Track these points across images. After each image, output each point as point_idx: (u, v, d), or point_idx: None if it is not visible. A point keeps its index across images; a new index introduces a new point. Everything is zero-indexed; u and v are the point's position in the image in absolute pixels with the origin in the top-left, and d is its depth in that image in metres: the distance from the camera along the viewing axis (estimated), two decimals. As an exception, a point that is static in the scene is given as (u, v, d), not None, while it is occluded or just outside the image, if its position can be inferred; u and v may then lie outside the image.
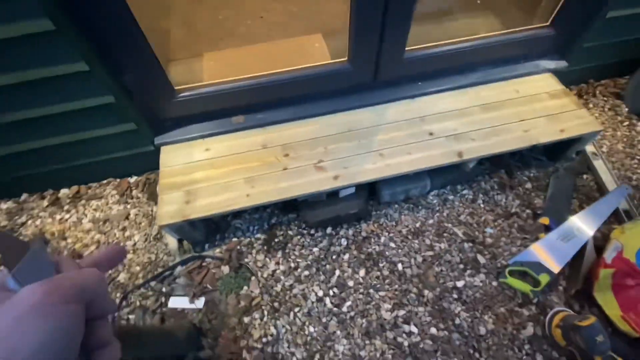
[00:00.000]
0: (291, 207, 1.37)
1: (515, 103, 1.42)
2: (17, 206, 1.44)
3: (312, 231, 1.34)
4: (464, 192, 1.41)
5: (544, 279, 1.15)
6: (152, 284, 1.26)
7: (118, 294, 1.23)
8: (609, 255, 1.12)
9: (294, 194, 1.20)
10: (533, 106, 1.40)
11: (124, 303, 1.22)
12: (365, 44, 1.24)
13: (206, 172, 1.27)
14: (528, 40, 1.45)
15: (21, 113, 1.10)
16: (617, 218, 1.31)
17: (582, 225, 1.24)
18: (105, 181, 1.50)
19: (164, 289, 1.25)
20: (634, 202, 1.35)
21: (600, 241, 1.22)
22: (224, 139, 1.36)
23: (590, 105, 1.66)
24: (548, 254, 1.20)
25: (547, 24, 1.42)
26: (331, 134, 1.36)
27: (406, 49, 1.31)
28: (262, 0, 1.98)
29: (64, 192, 1.48)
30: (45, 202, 1.44)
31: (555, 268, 1.17)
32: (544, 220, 1.29)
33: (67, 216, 1.41)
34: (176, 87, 1.24)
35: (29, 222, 1.40)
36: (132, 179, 1.51)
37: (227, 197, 1.20)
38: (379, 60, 1.32)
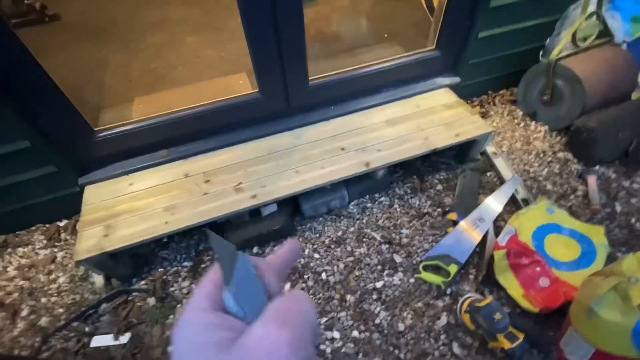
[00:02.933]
0: (217, 232, 1.41)
1: (416, 116, 1.59)
2: (-63, 262, 1.40)
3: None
4: (381, 199, 1.51)
5: (452, 269, 1.23)
6: (75, 324, 1.24)
7: (37, 339, 1.19)
8: (502, 238, 1.22)
9: (213, 216, 1.26)
10: (431, 117, 1.57)
11: (43, 347, 1.18)
12: (269, 77, 1.40)
13: (127, 205, 1.32)
14: (421, 62, 1.67)
15: None
16: (517, 207, 1.44)
17: (483, 215, 1.35)
18: (34, 227, 1.50)
19: (87, 329, 1.22)
20: (531, 192, 1.50)
21: (502, 226, 1.33)
22: (148, 173, 1.42)
23: (492, 113, 1.87)
24: (456, 246, 1.29)
25: (433, 47, 1.65)
26: (251, 158, 1.45)
27: (310, 78, 1.48)
28: (194, 48, 2.17)
29: (-11, 243, 1.46)
30: (-32, 255, 1.42)
31: (462, 258, 1.25)
32: (452, 216, 1.39)
33: (-10, 267, 1.39)
34: (95, 128, 1.32)
35: (-51, 277, 1.36)
36: (62, 223, 1.52)
37: (145, 227, 1.24)
38: (287, 90, 1.46)
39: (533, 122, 1.78)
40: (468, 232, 1.31)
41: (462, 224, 1.34)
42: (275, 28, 1.24)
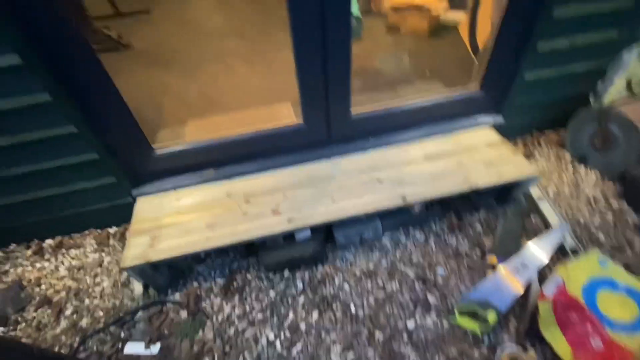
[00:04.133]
0: (251, 252, 1.45)
1: (456, 152, 1.57)
2: (4, 255, 1.55)
3: (270, 275, 1.39)
4: (416, 234, 1.48)
5: (492, 317, 1.16)
6: (112, 329, 1.30)
7: (76, 339, 1.26)
8: (547, 288, 1.14)
9: (250, 236, 1.30)
10: (472, 155, 1.55)
11: (81, 348, 1.25)
12: (314, 108, 1.47)
13: (173, 218, 1.40)
14: (464, 100, 1.68)
15: (18, 169, 1.29)
16: (565, 256, 1.34)
17: (527, 261, 1.28)
18: (87, 232, 1.63)
19: (122, 334, 1.28)
20: (580, 241, 1.40)
21: (548, 275, 1.24)
22: (194, 190, 1.52)
23: (536, 154, 1.81)
24: (496, 292, 1.22)
25: (478, 87, 1.66)
26: (290, 183, 1.51)
27: (352, 111, 1.54)
28: (245, 78, 2.34)
29: (48, 242, 1.60)
30: (29, 252, 1.56)
31: (503, 306, 1.17)
32: (492, 259, 1.33)
33: (46, 264, 1.51)
34: (153, 145, 1.45)
35: (11, 270, 1.50)
36: (113, 230, 1.64)
37: (188, 241, 1.31)
38: (329, 121, 1.53)
39: (583, 167, 1.69)
40: (510, 278, 1.24)
41: (504, 269, 1.27)
42: (324, 62, 1.32)
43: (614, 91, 1.50)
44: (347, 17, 1.23)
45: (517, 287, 1.21)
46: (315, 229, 1.39)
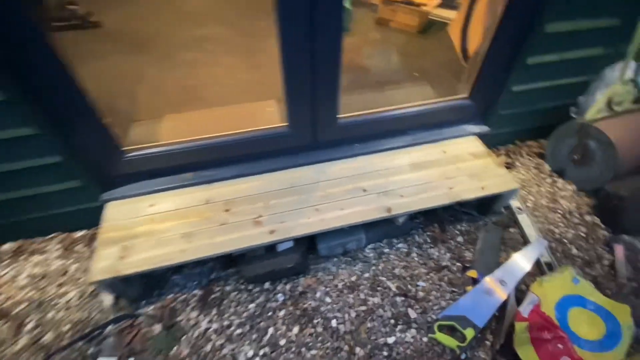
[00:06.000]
0: (231, 262, 1.40)
1: (442, 163, 1.56)
2: (-46, 262, 1.42)
3: (250, 286, 1.35)
4: (399, 245, 1.48)
5: (469, 333, 1.18)
6: (79, 344, 1.22)
7: (40, 356, 1.18)
8: (524, 308, 1.17)
9: (229, 249, 1.25)
10: (458, 165, 1.55)
11: (44, 367, 1.17)
12: (300, 111, 1.40)
13: (146, 227, 1.32)
14: (452, 109, 1.66)
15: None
16: (540, 270, 1.38)
17: (505, 277, 1.30)
18: (51, 236, 1.52)
19: (90, 350, 1.21)
20: (555, 255, 1.45)
21: (523, 293, 1.28)
22: (170, 195, 1.43)
23: (518, 164, 1.83)
24: (474, 308, 1.24)
25: (467, 96, 1.64)
26: (273, 190, 1.45)
27: (339, 116, 1.48)
28: (228, 70, 2.21)
29: (6, 247, 1.47)
30: (-17, 258, 1.43)
31: (480, 322, 1.20)
32: (472, 274, 1.35)
33: (3, 272, 1.39)
34: (123, 148, 1.34)
35: (-38, 278, 1.37)
36: (80, 233, 1.53)
37: (161, 253, 1.23)
38: (315, 126, 1.47)
39: (560, 180, 1.73)
40: (488, 294, 1.26)
41: (483, 284, 1.29)
42: (312, 58, 1.24)
43: (595, 108, 1.52)
44: (338, 10, 1.14)
45: (495, 303, 1.24)
46: (297, 239, 1.36)
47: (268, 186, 1.46)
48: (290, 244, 1.36)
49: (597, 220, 1.56)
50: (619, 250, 1.43)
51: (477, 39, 1.77)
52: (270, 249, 1.35)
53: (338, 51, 1.26)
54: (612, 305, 1.20)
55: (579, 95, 1.71)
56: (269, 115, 1.82)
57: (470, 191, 1.44)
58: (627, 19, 1.42)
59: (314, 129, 1.49)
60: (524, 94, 1.61)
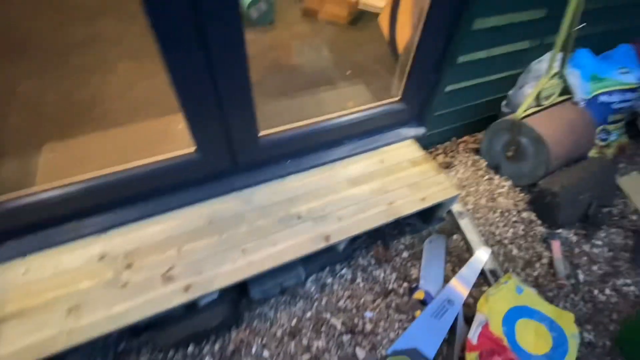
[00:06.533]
0: (146, 326, 1.15)
1: (381, 174, 1.44)
2: None
3: (171, 353, 1.12)
4: (343, 271, 1.34)
5: (421, 367, 1.09)
6: None
7: None
8: (473, 333, 1.11)
9: (131, 320, 1.00)
10: (397, 176, 1.44)
11: None
12: (207, 132, 1.16)
13: (18, 304, 1.01)
14: (386, 114, 1.53)
15: None
16: (485, 280, 1.34)
17: (451, 296, 1.23)
18: None
19: None
20: (498, 259, 1.42)
21: (473, 307, 1.22)
22: (51, 255, 1.12)
23: (456, 163, 1.79)
24: (424, 336, 1.15)
25: (398, 98, 1.52)
26: (187, 230, 1.21)
27: (260, 133, 1.27)
28: (127, 77, 1.85)
29: None
30: None
31: (431, 352, 1.11)
32: (419, 295, 1.26)
33: None
34: (-31, 205, 1.00)
35: None
36: None
37: (40, 339, 0.95)
38: (231, 147, 1.24)
39: (497, 176, 1.72)
40: (436, 317, 1.18)
41: (430, 308, 1.21)
42: (210, 69, 0.99)
43: (525, 105, 1.49)
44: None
45: (444, 327, 1.16)
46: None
47: (181, 226, 1.22)
48: (214, 296, 1.15)
49: (534, 216, 1.56)
50: (556, 246, 1.44)
51: (406, 32, 1.65)
52: (190, 306, 1.13)
53: (242, 57, 1.02)
54: (557, 314, 1.18)
55: (509, 90, 1.68)
56: (181, 133, 1.53)
57: (410, 204, 1.34)
58: (553, 10, 1.37)
59: (231, 151, 1.26)
60: (458, 92, 1.53)
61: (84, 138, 1.50)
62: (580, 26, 1.34)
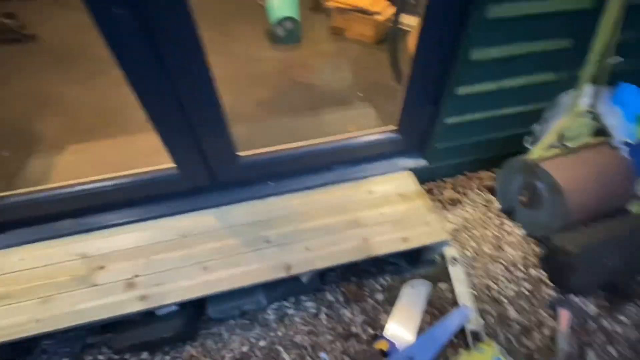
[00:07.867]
0: (102, 328, 1.22)
1: (363, 206, 1.36)
2: None
3: (127, 356, 1.18)
4: (308, 304, 1.28)
5: None
6: None
7: None
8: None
9: (90, 319, 1.07)
10: (381, 210, 1.34)
11: None
12: (184, 151, 1.21)
13: (6, 288, 1.15)
14: (381, 142, 1.44)
15: None
16: (464, 341, 1.18)
17: (417, 355, 1.10)
18: None
19: None
20: (488, 320, 1.23)
21: (440, 372, 1.08)
22: (44, 247, 1.26)
23: (466, 200, 1.61)
24: (374, 392, 1.05)
25: (395, 127, 1.42)
26: (159, 241, 1.26)
27: (238, 153, 1.29)
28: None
29: None
30: None
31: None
32: (382, 345, 1.15)
33: None
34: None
35: None
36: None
37: (12, 322, 1.07)
38: (208, 165, 1.27)
39: (509, 222, 1.51)
40: (393, 374, 1.07)
41: (389, 361, 1.09)
42: (173, 89, 1.01)
43: (544, 144, 1.29)
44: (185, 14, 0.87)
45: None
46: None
47: (156, 237, 1.28)
48: (173, 308, 1.18)
49: (544, 275, 1.34)
50: (564, 316, 1.21)
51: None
52: (149, 314, 1.17)
53: (206, 79, 1.02)
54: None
55: (533, 124, 1.48)
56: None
57: (389, 244, 1.24)
58: (579, 40, 1.18)
59: (209, 169, 1.29)
60: (463, 125, 1.39)
61: (101, 143, 1.68)
62: (616, 60, 1.12)
